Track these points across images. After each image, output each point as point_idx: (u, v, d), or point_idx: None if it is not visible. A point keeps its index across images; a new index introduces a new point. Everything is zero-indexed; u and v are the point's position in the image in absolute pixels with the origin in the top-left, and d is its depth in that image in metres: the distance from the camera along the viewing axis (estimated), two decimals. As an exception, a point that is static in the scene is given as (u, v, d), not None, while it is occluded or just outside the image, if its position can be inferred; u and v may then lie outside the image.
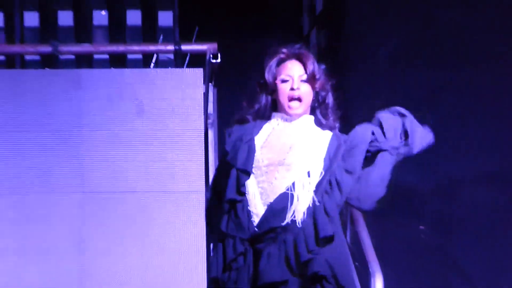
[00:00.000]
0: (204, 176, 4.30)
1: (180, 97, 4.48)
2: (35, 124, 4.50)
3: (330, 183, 3.78)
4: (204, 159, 4.29)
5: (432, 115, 4.88)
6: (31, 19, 7.52)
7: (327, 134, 3.86)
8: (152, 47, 5.37)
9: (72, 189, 4.50)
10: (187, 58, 5.11)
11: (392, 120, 3.86)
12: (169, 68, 5.37)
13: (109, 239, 4.40)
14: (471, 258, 6.47)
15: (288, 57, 3.92)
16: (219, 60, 4.88)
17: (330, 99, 3.92)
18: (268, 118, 3.93)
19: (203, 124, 4.37)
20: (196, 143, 4.39)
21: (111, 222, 4.41)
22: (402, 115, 3.91)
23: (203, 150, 4.37)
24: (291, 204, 3.80)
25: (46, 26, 7.19)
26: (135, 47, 5.41)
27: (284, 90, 3.83)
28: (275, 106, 3.88)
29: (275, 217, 3.76)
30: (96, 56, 6.46)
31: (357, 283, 4.56)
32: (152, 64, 5.36)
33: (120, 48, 5.24)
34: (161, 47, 5.27)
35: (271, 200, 3.76)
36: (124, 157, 4.38)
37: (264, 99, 3.93)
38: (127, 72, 4.51)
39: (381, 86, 7.04)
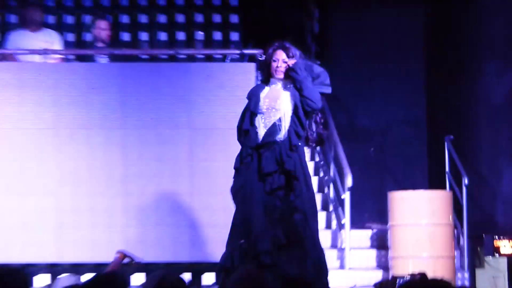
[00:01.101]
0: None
1: (243, 77, 8.02)
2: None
3: (295, 118, 6.37)
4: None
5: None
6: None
7: (293, 90, 6.48)
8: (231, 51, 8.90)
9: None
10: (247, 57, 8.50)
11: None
12: (238, 62, 8.72)
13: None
14: (398, 166, 10.09)
15: (278, 47, 6.50)
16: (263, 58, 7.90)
17: (297, 75, 6.40)
18: (267, 82, 6.54)
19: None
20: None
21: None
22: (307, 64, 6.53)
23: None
24: (279, 129, 6.36)
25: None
26: (223, 51, 8.95)
27: (273, 66, 6.48)
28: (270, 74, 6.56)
29: (270, 136, 6.36)
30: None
31: (310, 180, 6.60)
32: (228, 60, 8.80)
33: (217, 51, 8.86)
34: (235, 51, 8.77)
35: (268, 127, 6.37)
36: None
37: (265, 70, 6.59)
38: (226, 65, 8.21)
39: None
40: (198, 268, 8.20)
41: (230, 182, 7.96)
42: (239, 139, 6.65)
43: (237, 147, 8.01)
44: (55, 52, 8.93)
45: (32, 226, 8.13)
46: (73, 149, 8.06)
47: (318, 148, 9.68)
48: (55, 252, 8.02)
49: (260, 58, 7.90)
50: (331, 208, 9.31)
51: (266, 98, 6.56)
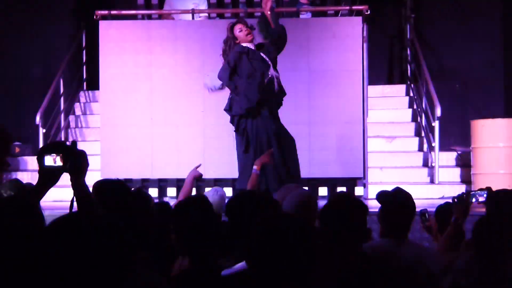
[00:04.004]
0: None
1: (352, 28, 8.57)
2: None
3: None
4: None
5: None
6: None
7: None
8: (342, 7, 9.37)
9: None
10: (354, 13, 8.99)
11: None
12: (348, 17, 9.18)
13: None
14: (479, 98, 10.29)
15: (234, 23, 7.01)
16: (369, 13, 8.64)
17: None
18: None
19: (361, 40, 8.44)
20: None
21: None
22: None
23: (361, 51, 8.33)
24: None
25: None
26: (335, 7, 9.43)
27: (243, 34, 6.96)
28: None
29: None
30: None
31: None
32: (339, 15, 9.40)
33: (331, 8, 9.34)
34: (345, 7, 9.23)
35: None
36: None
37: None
38: (338, 18, 8.65)
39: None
40: (314, 183, 8.72)
41: (340, 114, 8.72)
42: None
43: (347, 85, 8.71)
44: (201, 11, 9.56)
45: (183, 149, 8.77)
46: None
47: (412, 85, 10.10)
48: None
49: (367, 13, 8.39)
50: (423, 134, 9.60)
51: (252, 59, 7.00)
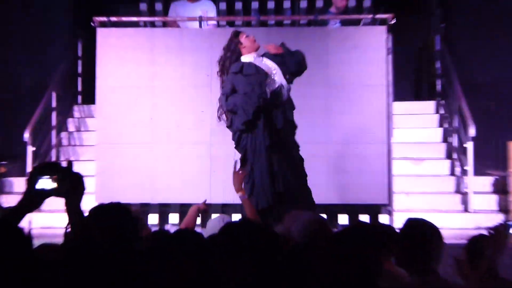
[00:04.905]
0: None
1: (375, 39, 8.50)
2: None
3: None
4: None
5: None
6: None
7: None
8: (364, 16, 9.25)
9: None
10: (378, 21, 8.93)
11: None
12: (370, 26, 9.03)
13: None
14: None
15: (237, 33, 7.15)
16: (394, 21, 8.61)
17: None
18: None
19: (385, 52, 8.42)
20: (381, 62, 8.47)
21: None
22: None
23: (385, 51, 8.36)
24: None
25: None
26: (357, 16, 9.33)
27: (248, 42, 7.07)
28: None
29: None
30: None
31: None
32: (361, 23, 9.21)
33: (352, 16, 9.24)
34: (368, 15, 9.11)
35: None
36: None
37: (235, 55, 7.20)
38: (360, 28, 8.56)
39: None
40: (332, 209, 8.68)
41: (362, 133, 8.61)
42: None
43: (369, 101, 8.64)
44: (210, 19, 9.55)
45: (188, 170, 8.76)
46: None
47: (442, 101, 10.03)
48: (208, 194, 8.40)
49: (392, 22, 8.40)
50: (454, 156, 9.56)
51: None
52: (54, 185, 2.96)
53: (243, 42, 7.14)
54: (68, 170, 3.02)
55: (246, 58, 7.17)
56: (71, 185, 2.99)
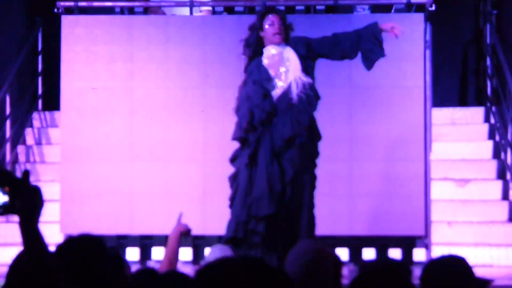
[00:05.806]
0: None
1: (411, 29, 8.52)
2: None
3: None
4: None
5: None
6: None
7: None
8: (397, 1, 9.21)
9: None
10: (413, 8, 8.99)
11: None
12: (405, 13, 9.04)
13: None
14: None
15: (267, 12, 7.14)
16: (433, 8, 8.65)
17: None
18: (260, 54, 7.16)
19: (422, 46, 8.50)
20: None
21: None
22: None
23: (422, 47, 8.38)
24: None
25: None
26: (388, 0, 9.39)
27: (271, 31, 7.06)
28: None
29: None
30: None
31: None
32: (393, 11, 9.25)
33: (382, 1, 9.34)
34: (401, 0, 9.11)
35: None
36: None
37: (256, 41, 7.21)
38: (391, 15, 8.75)
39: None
40: (356, 242, 8.71)
41: (394, 147, 8.69)
42: None
43: (402, 107, 8.71)
44: (203, 4, 9.52)
45: (175, 194, 8.76)
46: (221, 111, 8.43)
47: (494, 108, 10.03)
48: (201, 222, 8.32)
49: (431, 8, 8.50)
50: (508, 176, 9.52)
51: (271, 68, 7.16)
52: (5, 198, 2.95)
53: (264, 30, 7.17)
54: (23, 181, 2.98)
55: (265, 51, 7.22)
56: (26, 200, 2.97)
